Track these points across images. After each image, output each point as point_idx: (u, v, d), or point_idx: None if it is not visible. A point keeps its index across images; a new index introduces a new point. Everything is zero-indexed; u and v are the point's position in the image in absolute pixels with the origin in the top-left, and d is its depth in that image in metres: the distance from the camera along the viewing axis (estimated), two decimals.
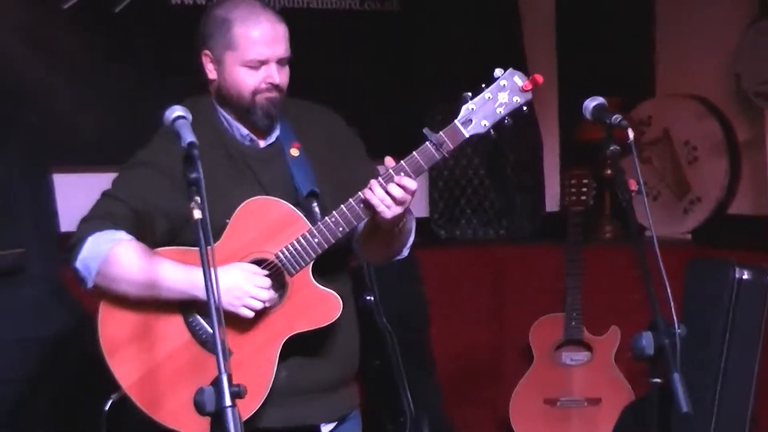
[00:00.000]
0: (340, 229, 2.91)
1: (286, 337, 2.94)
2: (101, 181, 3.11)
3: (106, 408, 3.69)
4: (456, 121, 2.89)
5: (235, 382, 2.74)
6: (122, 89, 4.99)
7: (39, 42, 4.87)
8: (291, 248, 2.92)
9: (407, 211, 2.95)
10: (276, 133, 3.07)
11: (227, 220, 2.93)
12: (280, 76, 2.99)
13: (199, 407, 2.46)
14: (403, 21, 5.72)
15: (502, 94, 2.90)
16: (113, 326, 2.96)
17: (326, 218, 2.92)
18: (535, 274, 5.51)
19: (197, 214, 2.52)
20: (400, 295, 4.87)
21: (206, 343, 2.94)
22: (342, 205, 2.91)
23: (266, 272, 2.93)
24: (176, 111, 2.69)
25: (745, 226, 5.28)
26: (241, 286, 2.87)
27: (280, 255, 2.93)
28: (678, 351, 2.64)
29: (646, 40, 5.80)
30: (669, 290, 2.69)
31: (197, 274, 2.72)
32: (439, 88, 5.64)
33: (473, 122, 2.89)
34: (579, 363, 5.09)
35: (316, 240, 2.91)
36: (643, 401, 3.67)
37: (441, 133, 2.89)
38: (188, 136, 2.64)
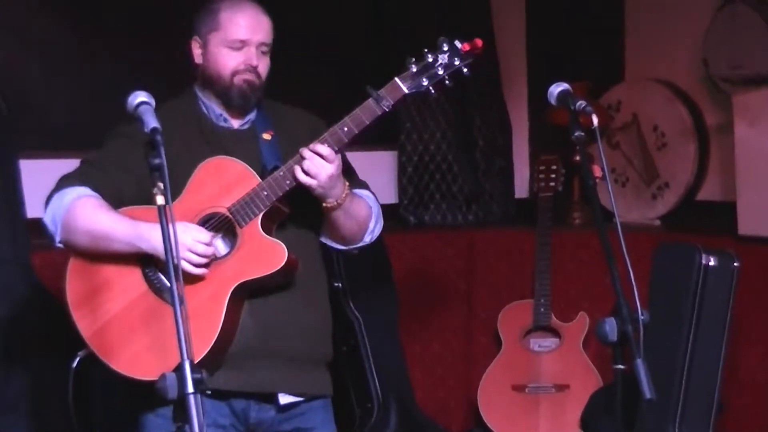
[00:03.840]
0: (287, 182, 3.08)
1: (235, 285, 3.07)
2: (71, 167, 3.22)
3: (74, 365, 3.84)
4: (396, 78, 3.08)
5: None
6: (94, 74, 4.95)
7: (8, 26, 4.82)
8: (242, 201, 3.10)
9: (345, 187, 3.12)
10: (251, 117, 3.27)
11: None
12: (260, 63, 3.20)
13: (162, 393, 2.47)
14: None
15: (443, 56, 3.07)
16: (78, 282, 3.14)
17: (275, 173, 3.09)
18: (506, 260, 5.51)
19: (160, 200, 2.56)
20: (369, 282, 4.86)
21: (162, 292, 3.09)
22: (290, 161, 3.09)
23: (210, 234, 3.07)
24: (139, 96, 2.76)
25: (714, 212, 5.28)
26: (179, 239, 2.94)
27: (232, 208, 3.10)
28: (641, 337, 2.65)
29: (616, 25, 5.80)
30: (632, 276, 2.70)
31: (143, 227, 3.03)
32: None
33: (414, 81, 3.07)
34: (547, 349, 5.10)
35: (264, 193, 3.08)
36: (611, 387, 3.67)
37: (382, 89, 3.07)
38: (151, 122, 2.66)
